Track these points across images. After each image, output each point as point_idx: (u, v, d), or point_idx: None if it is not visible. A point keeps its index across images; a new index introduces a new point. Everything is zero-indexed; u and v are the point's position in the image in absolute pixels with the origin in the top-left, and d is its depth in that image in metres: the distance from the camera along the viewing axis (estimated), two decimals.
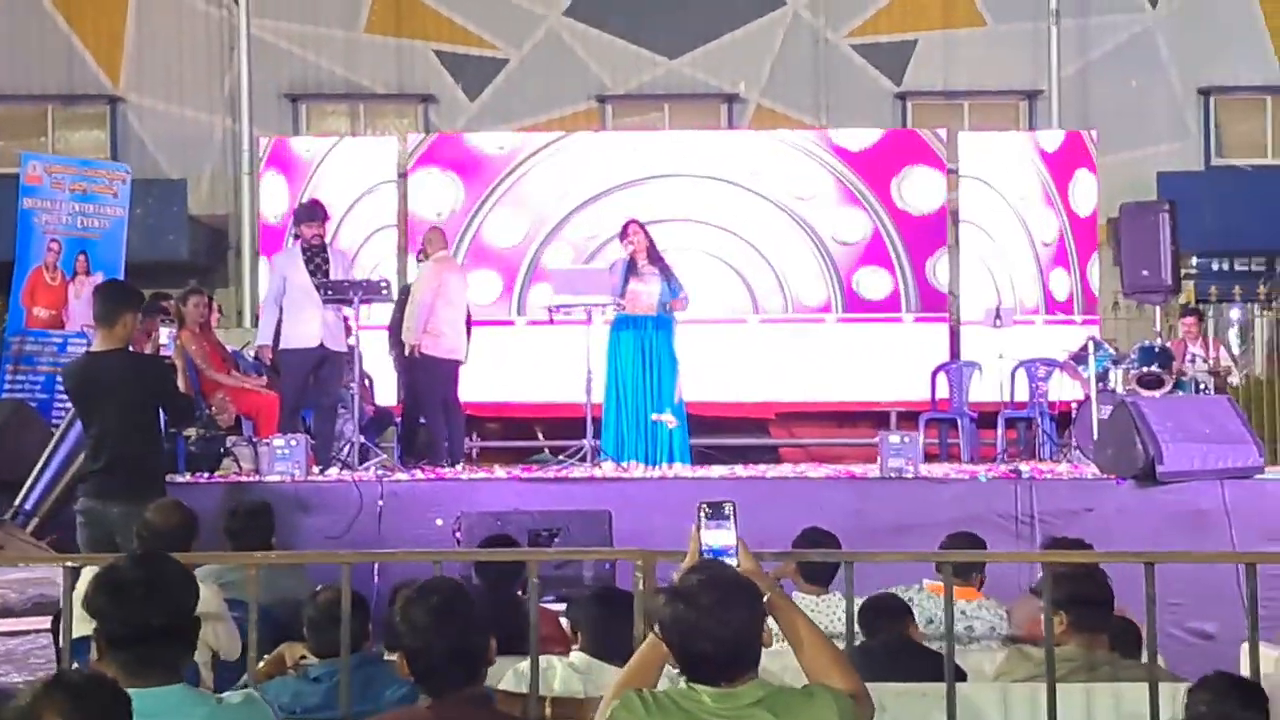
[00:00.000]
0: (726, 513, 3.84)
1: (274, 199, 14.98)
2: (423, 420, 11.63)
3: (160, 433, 7.67)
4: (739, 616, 3.46)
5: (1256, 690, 3.85)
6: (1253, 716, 3.75)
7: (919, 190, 14.67)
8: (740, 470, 10.77)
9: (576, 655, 5.33)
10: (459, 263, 13.23)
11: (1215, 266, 18.77)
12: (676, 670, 3.58)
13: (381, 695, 4.74)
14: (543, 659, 5.36)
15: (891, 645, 5.50)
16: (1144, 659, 4.95)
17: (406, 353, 11.37)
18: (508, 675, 5.17)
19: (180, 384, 7.38)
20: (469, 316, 11.92)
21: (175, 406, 7.47)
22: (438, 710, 3.52)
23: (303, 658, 5.40)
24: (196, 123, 21.49)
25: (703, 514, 3.84)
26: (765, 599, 3.60)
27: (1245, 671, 6.60)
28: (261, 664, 5.25)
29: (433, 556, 4.45)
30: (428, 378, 11.38)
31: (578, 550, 7.76)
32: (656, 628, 3.58)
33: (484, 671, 3.63)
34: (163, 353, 7.55)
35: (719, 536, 3.81)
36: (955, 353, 14.46)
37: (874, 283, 14.65)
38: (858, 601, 5.31)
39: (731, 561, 3.74)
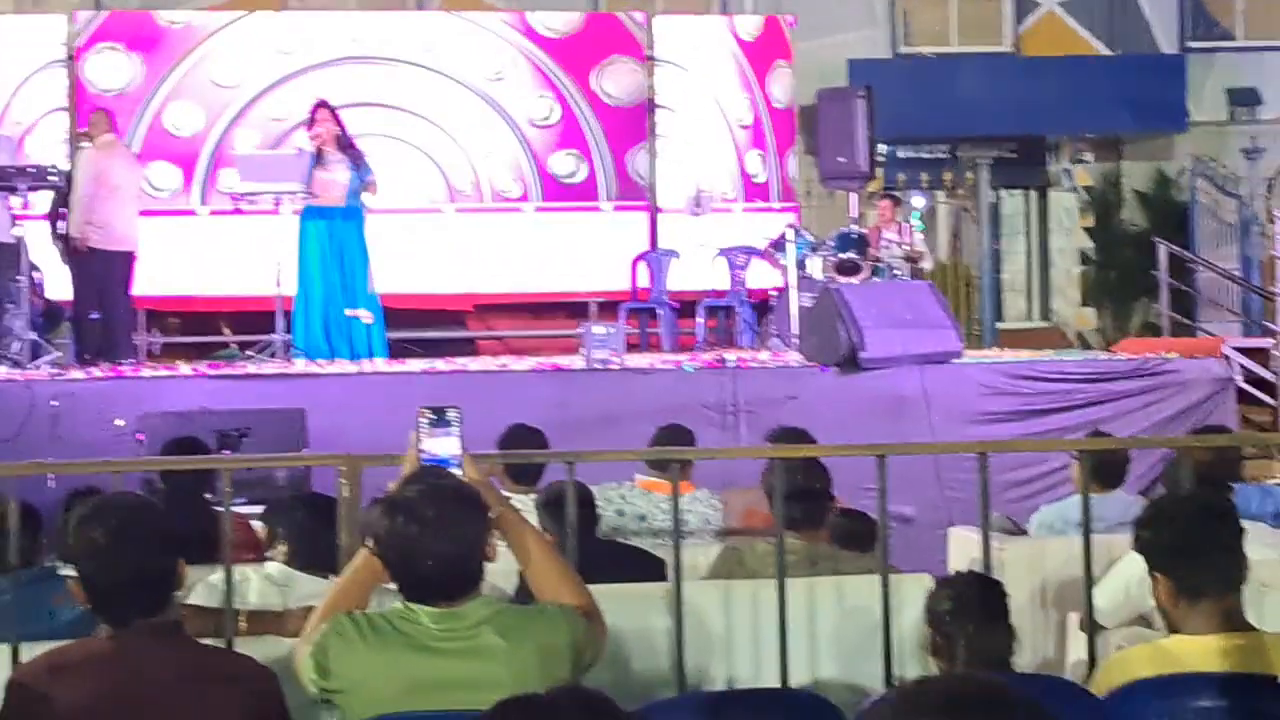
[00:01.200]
0: (450, 419, 3.51)
1: None
2: (95, 315, 11.00)
3: None
4: (464, 531, 3.17)
5: (994, 583, 3.76)
6: (992, 605, 3.65)
7: (618, 80, 14.46)
8: (441, 365, 10.44)
9: (273, 566, 5.00)
10: (130, 148, 12.50)
11: (901, 154, 19.00)
12: (393, 588, 3.27)
13: (57, 615, 4.30)
14: (236, 570, 5.03)
15: (587, 544, 5.28)
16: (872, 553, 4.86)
17: (71, 246, 10.74)
18: (198, 588, 4.79)
19: None
20: None
21: None
22: (120, 642, 3.12)
23: None
24: None
25: (424, 419, 3.51)
26: (493, 513, 3.32)
27: (954, 555, 6.69)
28: None
29: (111, 467, 4.01)
30: (101, 270, 10.76)
31: (275, 456, 7.34)
32: (370, 542, 3.25)
33: (171, 598, 3.24)
34: None
35: (442, 444, 3.48)
36: (654, 241, 14.34)
37: (571, 169, 14.40)
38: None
39: (456, 473, 3.42)
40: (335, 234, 10.72)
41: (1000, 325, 17.66)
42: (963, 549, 6.41)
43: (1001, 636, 3.61)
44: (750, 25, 15.14)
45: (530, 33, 14.47)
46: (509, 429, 6.33)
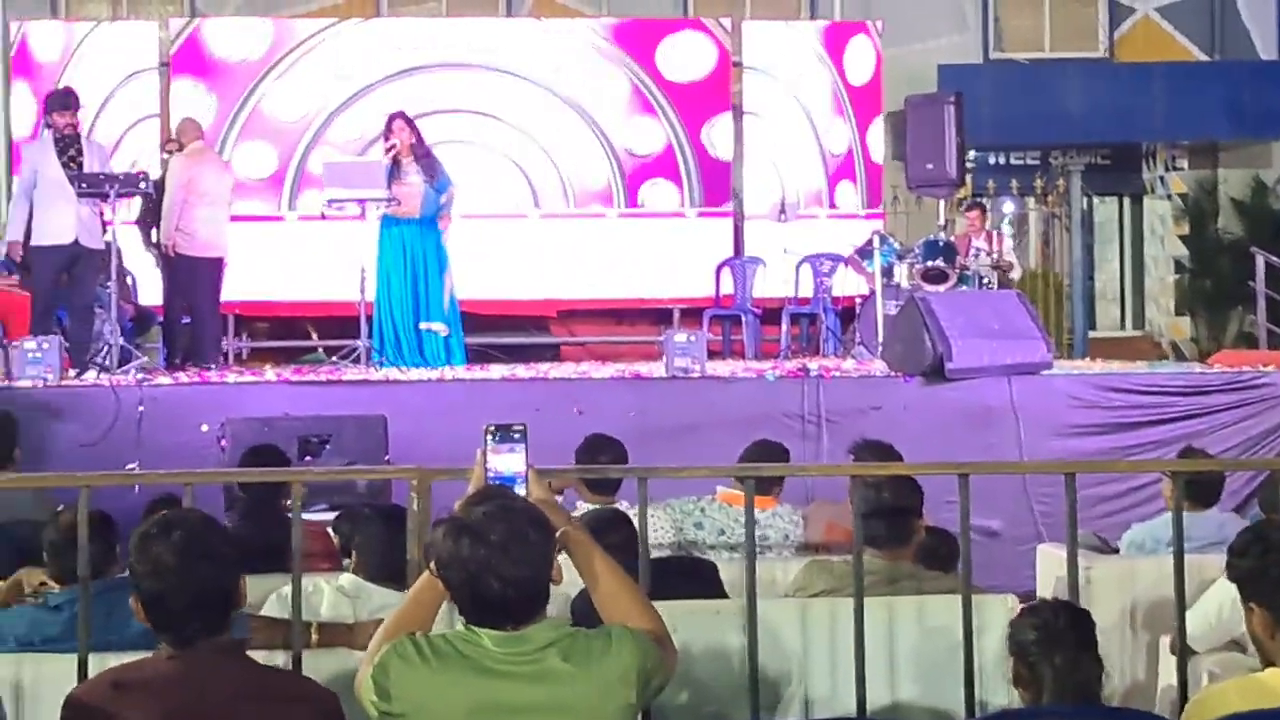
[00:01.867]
0: (516, 435, 3.42)
1: (28, 89, 14.06)
2: (185, 320, 11.08)
3: None
4: (530, 554, 3.08)
5: (1082, 612, 3.64)
6: (1080, 635, 3.53)
7: (700, 79, 14.35)
8: (521, 371, 10.40)
9: (345, 578, 4.98)
10: (219, 155, 12.58)
11: (992, 160, 18.78)
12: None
13: (128, 626, 4.26)
14: (309, 581, 4.99)
15: (670, 561, 5.22)
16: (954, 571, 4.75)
17: (161, 252, 10.85)
18: (271, 599, 4.79)
19: None
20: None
21: None
22: (183, 662, 3.07)
23: (42, 584, 4.91)
24: None
25: (489, 436, 3.43)
26: (559, 533, 3.24)
27: (1042, 573, 6.55)
28: None
29: (182, 478, 3.97)
30: (189, 276, 10.84)
31: (347, 470, 7.31)
32: (433, 564, 3.18)
33: (232, 617, 3.18)
34: None
35: (507, 461, 3.40)
36: (739, 248, 14.23)
37: (658, 178, 14.35)
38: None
39: (520, 490, 3.35)
40: (410, 245, 10.72)
41: (1092, 334, 17.42)
42: (1050, 567, 6.28)
43: (1089, 667, 3.48)
44: (838, 29, 15.00)
45: (617, 39, 14.41)
46: (587, 439, 6.26)
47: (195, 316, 11.04)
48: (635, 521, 5.81)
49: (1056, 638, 3.48)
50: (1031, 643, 3.50)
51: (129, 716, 3.01)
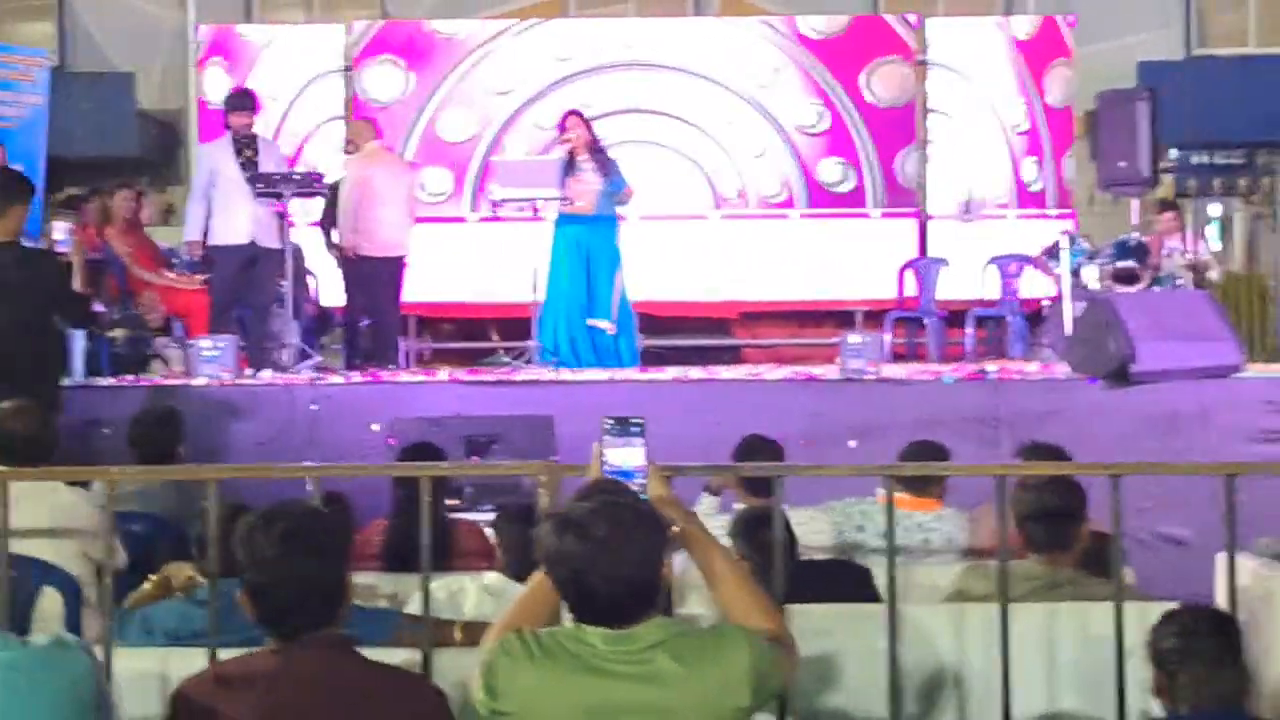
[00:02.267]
0: (635, 429, 3.31)
1: (218, 91, 14.32)
2: (366, 322, 11.15)
3: (55, 331, 7.14)
4: (637, 551, 2.96)
5: (1225, 618, 3.41)
6: (1221, 642, 3.30)
7: (887, 83, 14.15)
8: (694, 373, 10.27)
9: (491, 575, 4.96)
10: (401, 155, 12.68)
11: (1195, 160, 18.22)
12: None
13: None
14: (455, 579, 5.01)
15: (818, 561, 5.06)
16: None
17: (341, 254, 10.94)
18: (415, 597, 4.74)
19: (77, 282, 6.84)
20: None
21: (66, 304, 6.94)
22: (287, 656, 3.01)
23: (190, 578, 4.93)
24: (145, 15, 20.66)
25: (607, 429, 3.31)
26: (676, 530, 3.10)
27: (1220, 583, 6.23)
28: (147, 584, 4.82)
29: (308, 471, 3.93)
30: (369, 277, 10.90)
31: (479, 466, 7.30)
32: (541, 560, 3.08)
33: (341, 612, 3.11)
34: (58, 249, 7.02)
35: (626, 455, 3.29)
36: (923, 249, 13.97)
37: (839, 176, 14.14)
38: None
39: (638, 485, 3.22)
40: (584, 241, 10.62)
41: None
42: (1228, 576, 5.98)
43: (1233, 677, 3.26)
44: (1027, 25, 14.65)
45: (799, 37, 14.25)
46: (744, 439, 6.11)
47: (375, 317, 11.10)
48: (798, 515, 5.71)
49: (1196, 646, 3.27)
50: (1170, 650, 3.30)
51: (233, 711, 2.96)
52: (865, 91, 14.14)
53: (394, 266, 11.00)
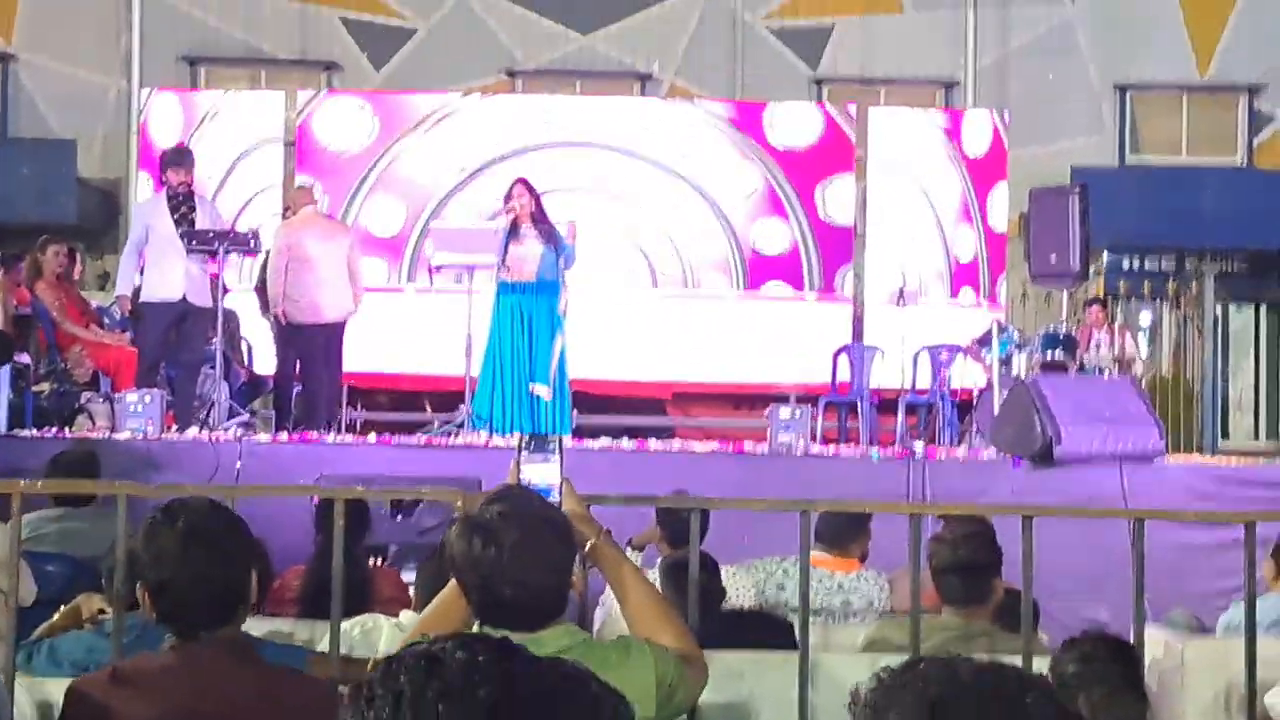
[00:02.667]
0: (551, 446, 3.30)
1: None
2: (298, 388, 11.07)
3: None
4: (545, 558, 2.93)
5: (1126, 646, 3.42)
6: (1121, 670, 3.30)
7: (838, 197, 14.31)
8: (624, 443, 10.27)
9: (405, 614, 5.00)
10: (335, 219, 12.59)
11: (1126, 264, 18.49)
12: None
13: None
14: (370, 618, 5.05)
15: (747, 614, 5.07)
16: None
17: (274, 320, 10.89)
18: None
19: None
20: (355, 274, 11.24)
21: None
22: (184, 655, 2.96)
23: (100, 610, 4.90)
24: (89, 84, 20.69)
25: (522, 445, 3.31)
26: (589, 546, 3.10)
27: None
28: (57, 616, 4.83)
29: (227, 492, 3.90)
30: (302, 343, 10.83)
31: (389, 491, 7.27)
32: (450, 565, 3.05)
33: (242, 611, 3.07)
34: None
35: (540, 472, 3.28)
36: (858, 334, 14.06)
37: (777, 250, 14.25)
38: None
39: (553, 501, 3.21)
40: (526, 309, 10.63)
41: (1225, 444, 16.98)
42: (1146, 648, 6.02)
43: (1133, 703, 3.26)
44: (962, 116, 14.89)
45: (744, 125, 14.41)
46: (671, 494, 6.13)
47: (306, 383, 11.00)
48: (722, 573, 5.72)
49: (1098, 671, 3.27)
50: (1070, 675, 3.30)
51: (127, 708, 2.90)
52: (818, 201, 14.32)
53: (330, 333, 10.87)
